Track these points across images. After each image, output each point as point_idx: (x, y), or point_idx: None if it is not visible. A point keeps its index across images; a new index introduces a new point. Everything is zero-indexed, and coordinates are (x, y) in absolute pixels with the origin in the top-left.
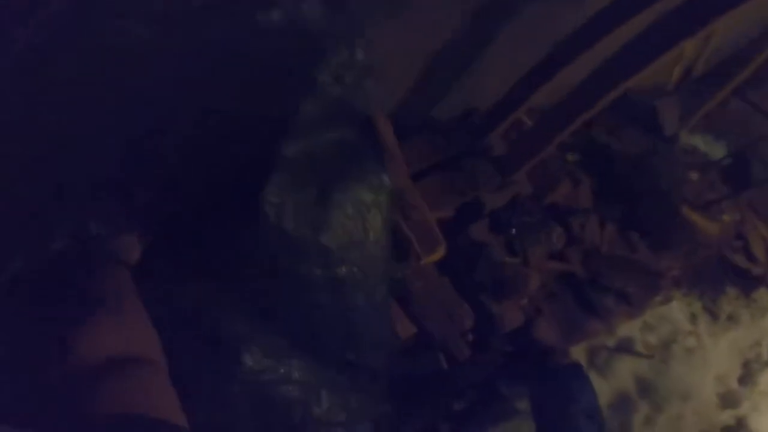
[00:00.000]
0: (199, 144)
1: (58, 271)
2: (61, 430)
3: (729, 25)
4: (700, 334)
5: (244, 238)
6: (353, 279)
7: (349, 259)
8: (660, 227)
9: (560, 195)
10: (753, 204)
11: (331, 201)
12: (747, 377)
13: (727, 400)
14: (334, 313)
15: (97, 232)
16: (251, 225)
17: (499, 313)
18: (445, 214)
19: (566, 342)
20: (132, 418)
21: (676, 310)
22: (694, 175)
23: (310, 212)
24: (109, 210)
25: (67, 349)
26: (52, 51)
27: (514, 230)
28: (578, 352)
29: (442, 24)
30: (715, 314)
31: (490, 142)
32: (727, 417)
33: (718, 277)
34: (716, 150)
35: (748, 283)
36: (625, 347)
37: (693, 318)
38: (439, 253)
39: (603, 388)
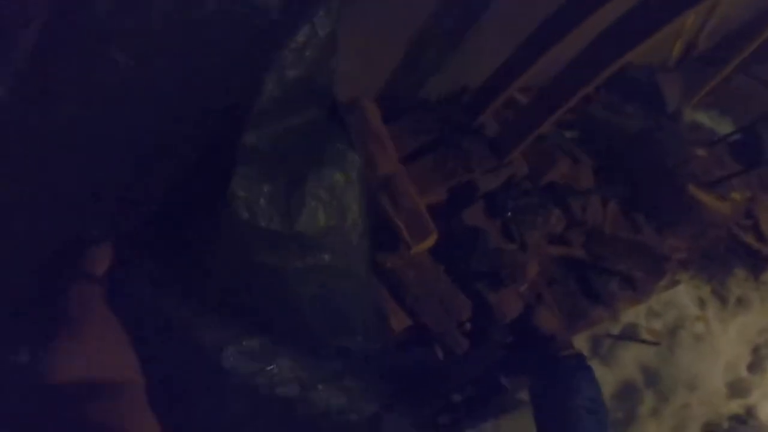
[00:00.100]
0: (170, 146)
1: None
2: None
3: None
4: (708, 320)
5: (217, 236)
6: (334, 265)
7: (327, 246)
8: (665, 207)
9: (559, 175)
10: (764, 181)
11: (303, 188)
12: (757, 364)
13: (736, 389)
14: (318, 302)
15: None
16: (222, 222)
17: (496, 303)
18: (438, 198)
19: (568, 330)
20: None
21: (683, 295)
22: (700, 152)
23: (282, 202)
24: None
25: (32, 375)
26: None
27: (509, 214)
28: (581, 340)
29: (427, 1)
30: (724, 298)
31: (483, 121)
32: (735, 406)
33: (727, 258)
34: (723, 126)
35: (758, 263)
36: (630, 334)
37: (701, 302)
38: (430, 241)
39: (607, 378)
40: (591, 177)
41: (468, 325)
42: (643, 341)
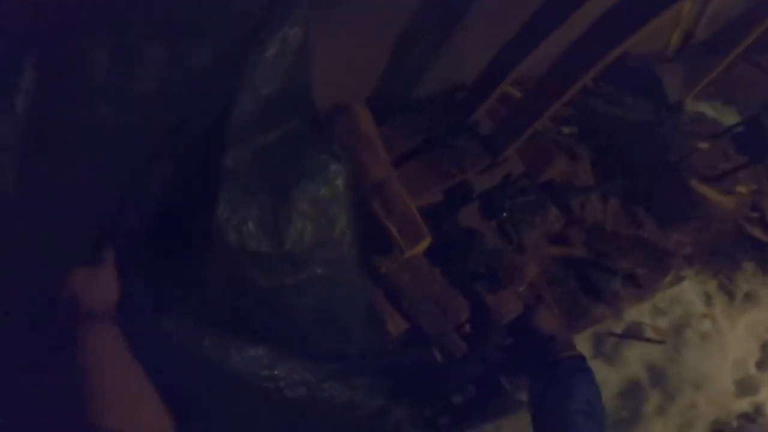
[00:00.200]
0: (157, 177)
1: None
2: None
3: None
4: (715, 316)
5: (209, 260)
6: (325, 277)
7: (318, 259)
8: (668, 202)
9: (556, 172)
10: None
11: (288, 205)
12: (766, 361)
13: (745, 387)
14: (313, 313)
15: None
16: (212, 247)
17: (494, 304)
18: (433, 200)
19: (570, 330)
20: None
21: (688, 291)
22: (703, 145)
23: (269, 222)
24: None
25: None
26: None
27: (505, 214)
28: (584, 339)
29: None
30: (731, 293)
31: (477, 119)
32: (744, 404)
33: (734, 252)
34: (727, 116)
35: (766, 257)
36: (634, 333)
37: (707, 299)
38: (423, 245)
39: (611, 377)
40: (590, 173)
41: (467, 327)
42: (648, 340)
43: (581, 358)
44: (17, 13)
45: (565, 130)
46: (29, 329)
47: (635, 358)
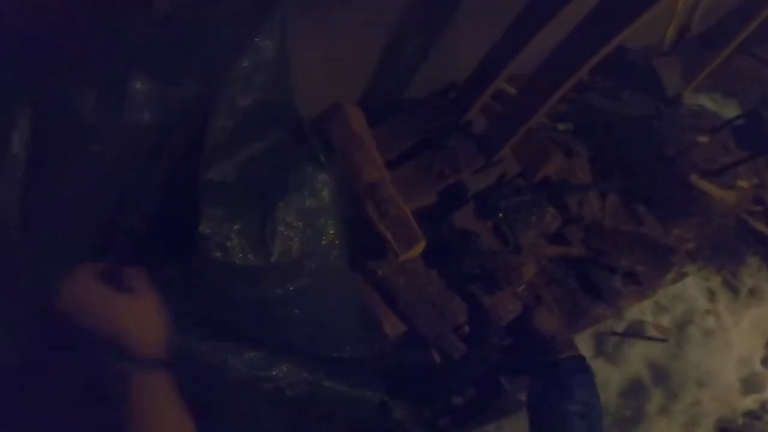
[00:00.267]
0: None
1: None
2: None
3: None
4: (719, 313)
5: (197, 275)
6: (315, 287)
7: (306, 270)
8: (667, 198)
9: (553, 169)
10: None
11: (274, 218)
12: None
13: (750, 384)
14: (303, 322)
15: None
16: (198, 263)
17: (491, 305)
18: (428, 201)
19: (570, 330)
20: None
21: (691, 288)
22: (703, 139)
23: (255, 236)
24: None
25: None
26: None
27: (501, 214)
28: (585, 339)
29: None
30: (735, 289)
31: (470, 117)
32: (750, 402)
33: (738, 246)
34: (728, 109)
35: None
36: (636, 332)
37: (711, 295)
38: (418, 249)
39: (613, 375)
40: (588, 170)
41: (466, 328)
42: (650, 338)
43: (581, 358)
44: (17, 12)
45: (561, 126)
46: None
47: (637, 356)
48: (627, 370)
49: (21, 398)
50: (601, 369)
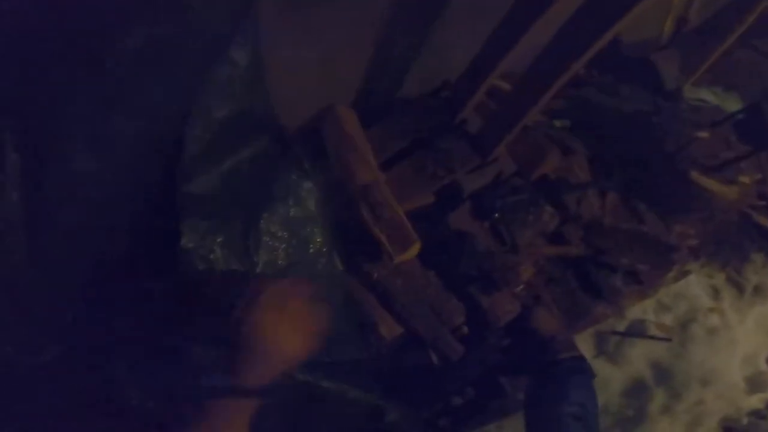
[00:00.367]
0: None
1: None
2: None
3: None
4: (723, 311)
5: (181, 286)
6: None
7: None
8: (668, 195)
9: (550, 168)
10: None
11: (258, 229)
12: None
13: (755, 383)
14: None
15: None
16: (181, 275)
17: (489, 306)
18: (423, 202)
19: (570, 329)
20: None
21: (694, 285)
22: (703, 134)
23: (238, 247)
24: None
25: None
26: None
27: (497, 214)
28: (586, 338)
29: None
30: (740, 286)
31: (464, 116)
32: (755, 401)
33: (741, 242)
34: (729, 102)
35: None
36: (638, 331)
37: (714, 293)
38: (413, 251)
39: (615, 375)
40: (586, 167)
41: (464, 329)
42: (652, 337)
43: (580, 359)
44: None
45: (558, 123)
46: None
47: (639, 356)
48: (629, 369)
49: (32, 406)
50: (602, 369)
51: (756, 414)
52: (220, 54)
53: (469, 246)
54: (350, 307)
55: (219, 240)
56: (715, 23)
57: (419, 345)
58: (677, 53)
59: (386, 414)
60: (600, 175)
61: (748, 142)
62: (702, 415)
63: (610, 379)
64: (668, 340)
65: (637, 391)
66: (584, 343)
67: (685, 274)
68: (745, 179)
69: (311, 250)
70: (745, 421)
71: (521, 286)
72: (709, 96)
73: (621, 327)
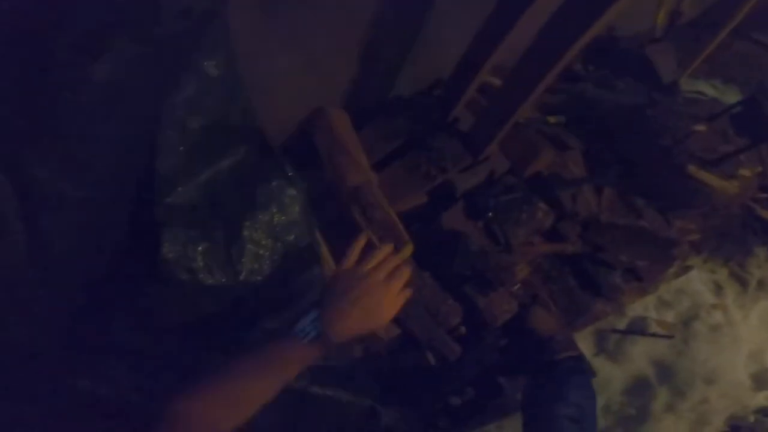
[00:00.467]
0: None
1: None
2: None
3: None
4: (726, 307)
5: (167, 297)
6: (291, 299)
7: (277, 284)
8: (666, 190)
9: (544, 164)
10: None
11: (241, 237)
12: None
13: (761, 380)
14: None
15: None
16: (165, 285)
17: (485, 306)
18: (417, 202)
19: (569, 328)
20: None
21: (696, 281)
22: (700, 127)
23: (221, 255)
24: None
25: None
26: None
27: (490, 213)
28: (586, 336)
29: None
30: (743, 281)
31: (456, 115)
32: (762, 398)
33: (745, 236)
34: (729, 95)
35: None
36: (639, 328)
37: (717, 288)
38: (406, 252)
39: (615, 373)
40: (581, 163)
41: (462, 329)
42: (654, 335)
43: (579, 358)
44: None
45: (552, 119)
46: None
47: (640, 354)
48: (630, 368)
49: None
50: (602, 367)
51: (762, 412)
52: (190, 66)
53: (462, 246)
54: None
55: (200, 249)
56: (709, 15)
57: (417, 346)
58: (671, 46)
59: (381, 417)
60: (596, 170)
61: (745, 135)
62: (707, 414)
63: (611, 378)
64: (670, 337)
65: (639, 389)
66: (584, 342)
67: (686, 269)
68: (745, 172)
69: (297, 256)
70: (751, 419)
71: (518, 285)
72: (707, 88)
73: (621, 324)
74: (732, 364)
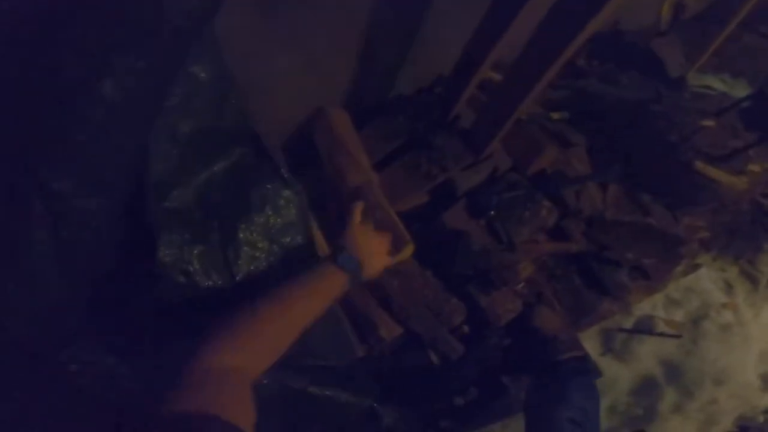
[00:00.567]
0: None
1: None
2: None
3: None
4: (737, 306)
5: (166, 301)
6: None
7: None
8: (673, 187)
9: (547, 162)
10: None
11: (237, 239)
12: None
13: None
14: None
15: None
16: (162, 290)
17: (489, 305)
18: (419, 201)
19: (575, 327)
20: None
21: (705, 280)
22: (708, 122)
23: (217, 258)
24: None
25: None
26: None
27: (493, 212)
28: (593, 335)
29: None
30: (754, 279)
31: (458, 112)
32: None
33: (755, 233)
34: (737, 89)
35: None
36: (646, 327)
37: (727, 287)
38: (407, 252)
39: (622, 374)
40: (585, 160)
41: (465, 328)
42: (662, 334)
43: (583, 359)
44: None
45: (555, 115)
46: None
47: (648, 353)
48: (637, 367)
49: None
50: (609, 367)
51: None
52: (177, 70)
53: (464, 245)
54: (328, 318)
55: (196, 252)
56: (714, 8)
57: (419, 345)
58: (678, 39)
59: (382, 418)
60: (600, 167)
61: (755, 130)
62: (716, 414)
63: (617, 378)
64: (678, 336)
65: (646, 389)
66: (590, 341)
67: (695, 267)
68: (755, 167)
69: (294, 258)
70: (761, 419)
71: (521, 284)
72: (716, 83)
73: (628, 324)
74: (742, 363)
